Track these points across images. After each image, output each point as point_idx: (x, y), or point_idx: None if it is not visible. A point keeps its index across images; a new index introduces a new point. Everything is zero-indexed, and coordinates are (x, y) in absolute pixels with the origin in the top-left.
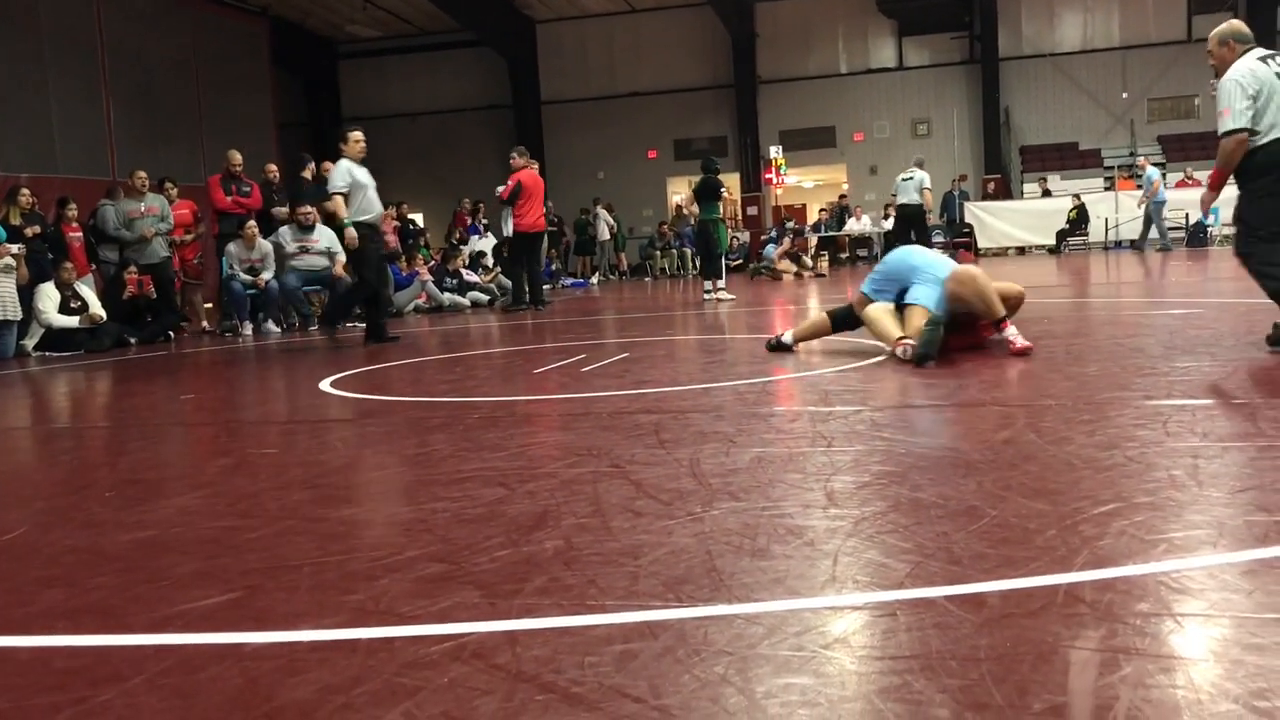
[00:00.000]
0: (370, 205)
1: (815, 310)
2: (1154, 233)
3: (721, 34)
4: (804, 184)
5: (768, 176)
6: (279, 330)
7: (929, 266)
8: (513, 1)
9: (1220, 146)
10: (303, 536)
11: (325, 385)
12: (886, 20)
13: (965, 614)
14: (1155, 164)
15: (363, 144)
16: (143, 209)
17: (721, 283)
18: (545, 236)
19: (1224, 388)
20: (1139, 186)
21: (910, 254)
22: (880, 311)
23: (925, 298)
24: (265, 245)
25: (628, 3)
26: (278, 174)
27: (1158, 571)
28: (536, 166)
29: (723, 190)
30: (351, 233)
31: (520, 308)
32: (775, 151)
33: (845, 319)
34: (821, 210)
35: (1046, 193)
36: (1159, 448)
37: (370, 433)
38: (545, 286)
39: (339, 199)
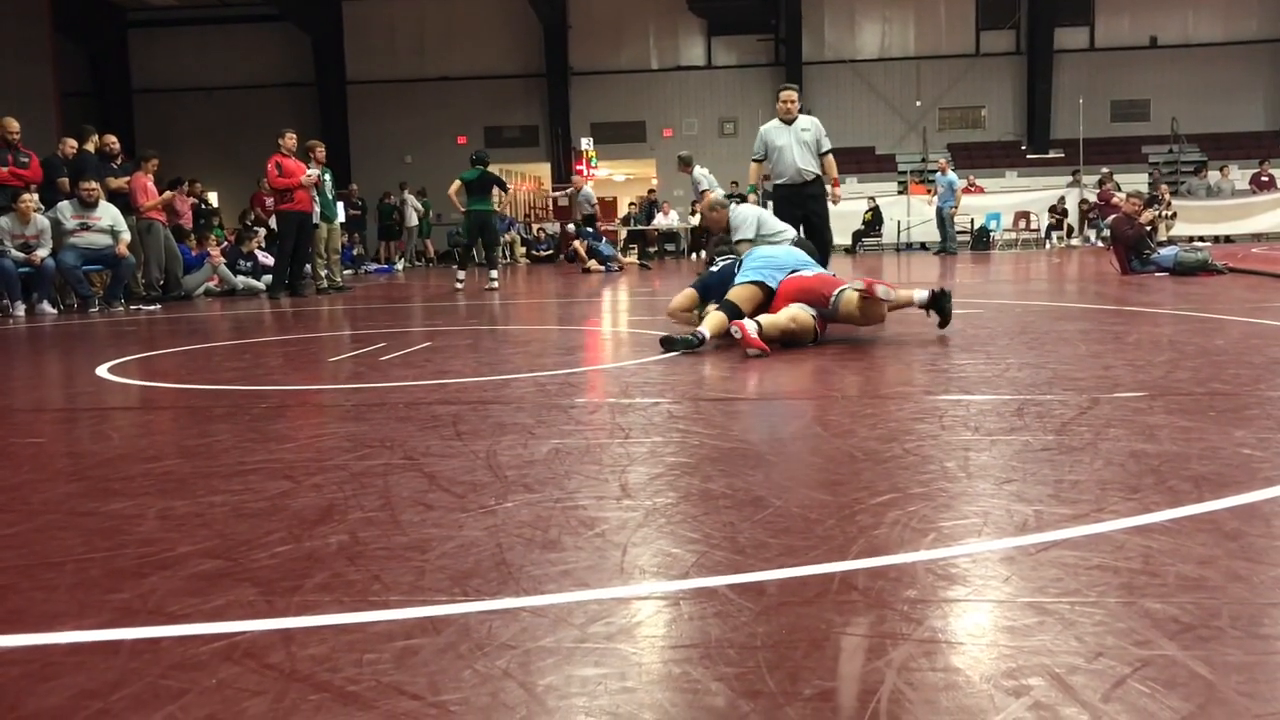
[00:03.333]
0: (782, 167)
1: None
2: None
3: (534, 23)
4: (615, 177)
5: (578, 168)
6: (55, 311)
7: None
8: None
9: None
10: (67, 531)
11: (103, 371)
12: (696, 19)
13: (745, 602)
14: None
15: (788, 103)
16: None
17: (494, 272)
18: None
19: (996, 384)
20: (930, 190)
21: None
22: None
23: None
24: (42, 220)
25: None
26: (75, 148)
27: (926, 559)
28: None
29: (502, 184)
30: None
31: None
32: (586, 143)
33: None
34: (631, 204)
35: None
36: (935, 441)
37: (148, 422)
38: (348, 272)
39: (754, 165)
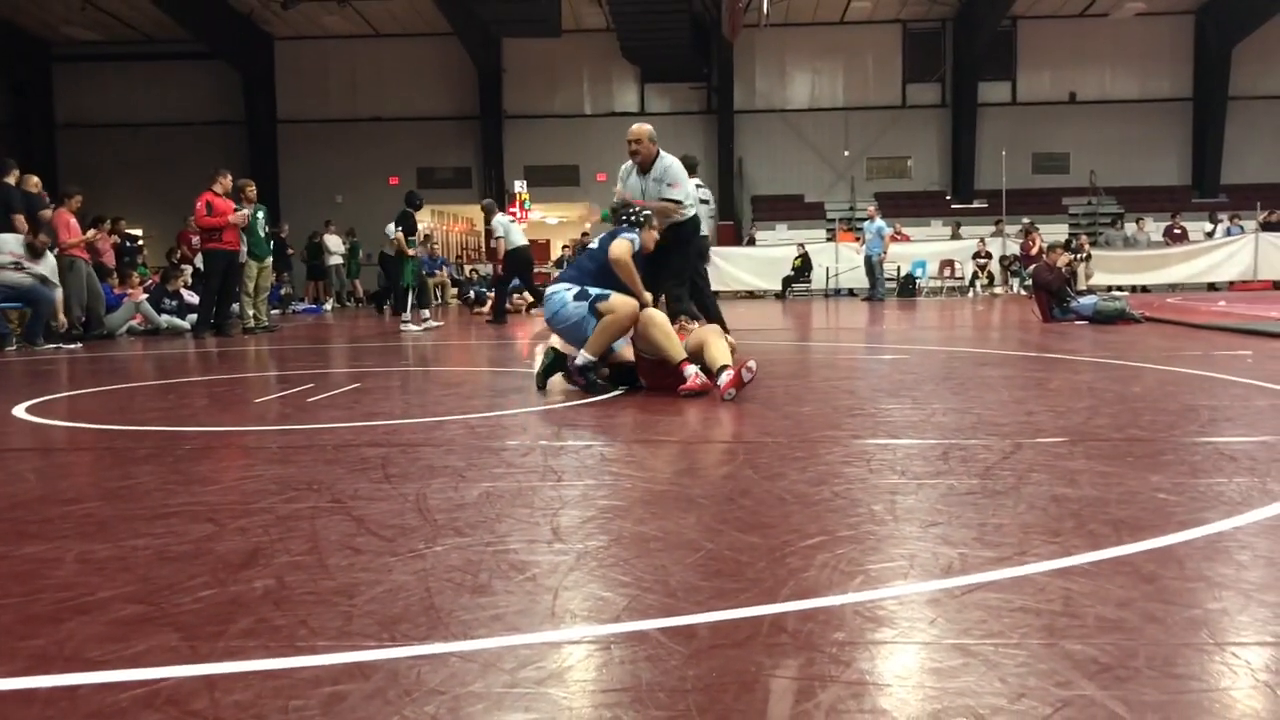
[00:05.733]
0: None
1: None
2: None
3: (468, 66)
4: (548, 220)
5: (512, 210)
6: None
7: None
8: (250, 16)
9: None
10: None
11: (19, 411)
12: (630, 66)
13: (676, 646)
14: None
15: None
16: None
17: (406, 315)
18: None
19: (922, 429)
20: (858, 237)
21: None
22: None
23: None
24: None
25: (372, 27)
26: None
27: (855, 602)
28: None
29: (404, 226)
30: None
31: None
32: (520, 186)
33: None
34: (564, 247)
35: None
36: (863, 484)
37: (68, 463)
38: (275, 312)
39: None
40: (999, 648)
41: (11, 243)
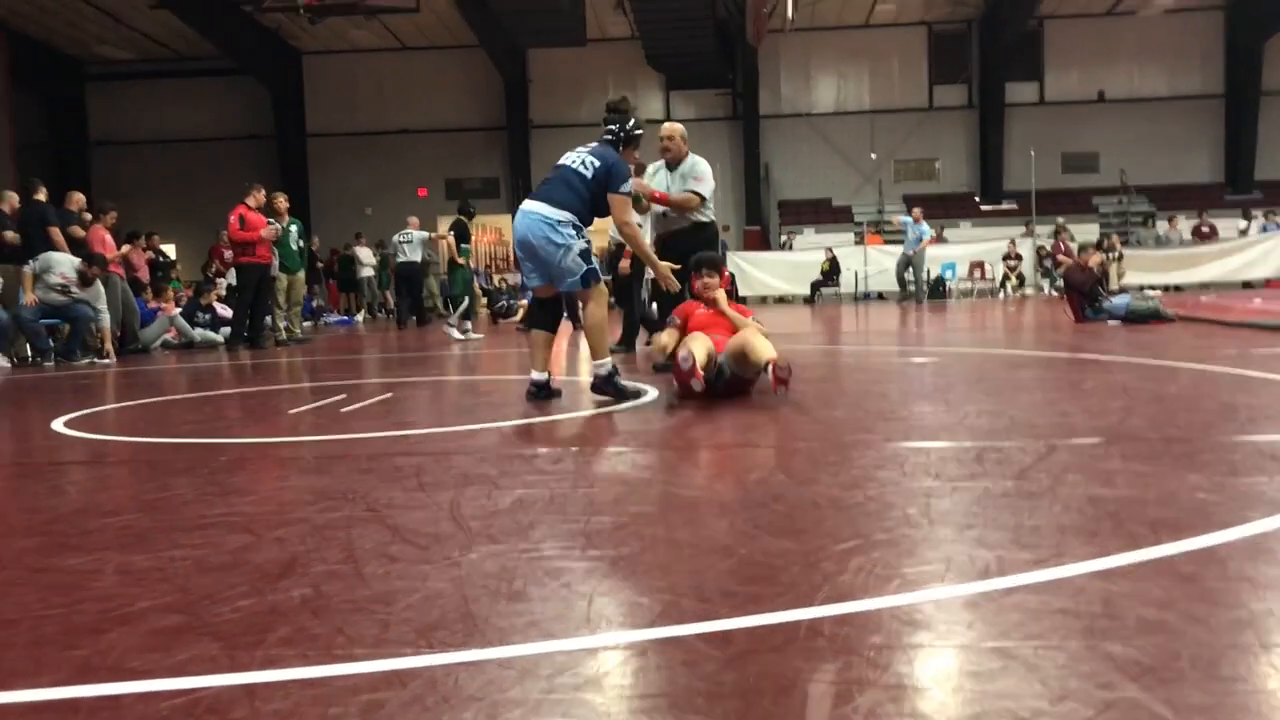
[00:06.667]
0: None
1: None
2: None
3: (494, 76)
4: None
5: None
6: (8, 365)
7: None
8: (278, 31)
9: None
10: (22, 588)
11: (59, 425)
12: (655, 73)
13: (712, 651)
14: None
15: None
16: None
17: (453, 320)
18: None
19: (955, 431)
20: (888, 240)
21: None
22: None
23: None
24: None
25: (399, 40)
26: (16, 203)
27: (891, 605)
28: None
29: (458, 234)
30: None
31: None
32: None
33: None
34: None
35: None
36: (896, 488)
37: (106, 476)
38: (307, 324)
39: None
40: (1039, 650)
41: (66, 265)
